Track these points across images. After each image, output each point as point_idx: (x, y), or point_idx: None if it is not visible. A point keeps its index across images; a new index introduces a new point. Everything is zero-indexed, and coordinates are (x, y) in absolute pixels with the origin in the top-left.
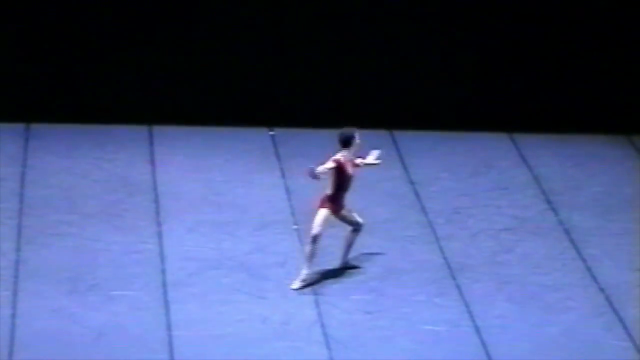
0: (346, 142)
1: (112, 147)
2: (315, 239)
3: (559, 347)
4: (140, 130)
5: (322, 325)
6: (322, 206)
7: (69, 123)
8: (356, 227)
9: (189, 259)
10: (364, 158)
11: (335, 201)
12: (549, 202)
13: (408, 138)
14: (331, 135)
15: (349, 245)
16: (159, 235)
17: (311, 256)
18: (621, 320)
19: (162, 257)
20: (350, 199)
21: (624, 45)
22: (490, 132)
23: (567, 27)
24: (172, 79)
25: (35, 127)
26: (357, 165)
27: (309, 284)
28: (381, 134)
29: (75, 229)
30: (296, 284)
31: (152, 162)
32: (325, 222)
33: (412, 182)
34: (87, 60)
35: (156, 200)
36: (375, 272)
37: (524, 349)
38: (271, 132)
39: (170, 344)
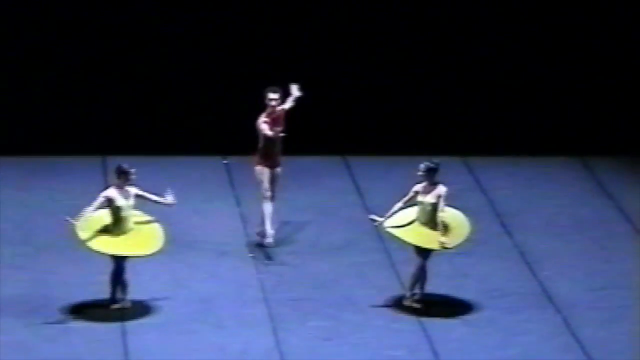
0: None
1: (66, 178)
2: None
3: None
4: (94, 161)
5: (281, 353)
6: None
7: (23, 155)
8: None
9: (145, 289)
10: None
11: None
12: (503, 225)
13: (363, 164)
14: (286, 161)
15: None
16: None
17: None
18: (578, 341)
19: None
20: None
21: (577, 68)
22: (444, 156)
23: (519, 50)
24: (125, 109)
25: None
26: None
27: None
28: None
29: (30, 261)
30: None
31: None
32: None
33: (367, 208)
34: (40, 93)
35: None
36: (332, 299)
37: None
38: (225, 161)
39: None
